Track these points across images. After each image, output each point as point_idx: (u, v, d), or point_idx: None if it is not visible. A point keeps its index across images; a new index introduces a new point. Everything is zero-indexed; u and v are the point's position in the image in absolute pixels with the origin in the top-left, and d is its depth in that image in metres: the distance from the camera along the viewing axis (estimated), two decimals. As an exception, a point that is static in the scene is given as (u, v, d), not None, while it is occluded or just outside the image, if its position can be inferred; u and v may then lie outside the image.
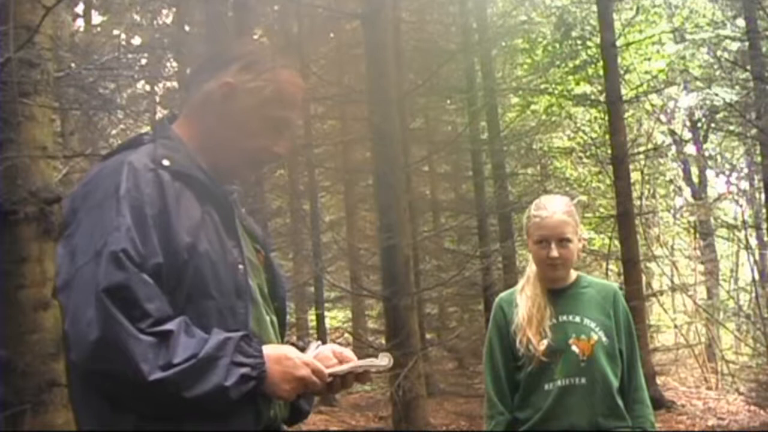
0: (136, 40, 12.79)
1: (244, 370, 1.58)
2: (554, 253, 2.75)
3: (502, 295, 2.97)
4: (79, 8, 11.23)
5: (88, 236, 1.60)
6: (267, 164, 1.92)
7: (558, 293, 2.83)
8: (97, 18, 12.98)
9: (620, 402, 2.75)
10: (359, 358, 1.80)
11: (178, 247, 1.63)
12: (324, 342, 1.89)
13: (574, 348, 2.73)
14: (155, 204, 1.64)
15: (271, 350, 1.66)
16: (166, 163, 1.71)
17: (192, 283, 1.64)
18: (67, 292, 1.58)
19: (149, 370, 1.49)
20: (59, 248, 1.64)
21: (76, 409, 1.68)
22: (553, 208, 2.80)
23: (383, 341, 10.11)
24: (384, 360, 1.78)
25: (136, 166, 1.67)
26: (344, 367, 1.75)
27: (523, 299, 2.82)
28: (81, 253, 1.58)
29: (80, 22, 11.68)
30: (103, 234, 1.58)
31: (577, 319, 2.78)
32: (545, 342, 2.71)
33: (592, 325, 2.76)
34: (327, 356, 1.77)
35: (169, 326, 1.55)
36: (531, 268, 2.90)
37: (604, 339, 2.75)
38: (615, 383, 2.74)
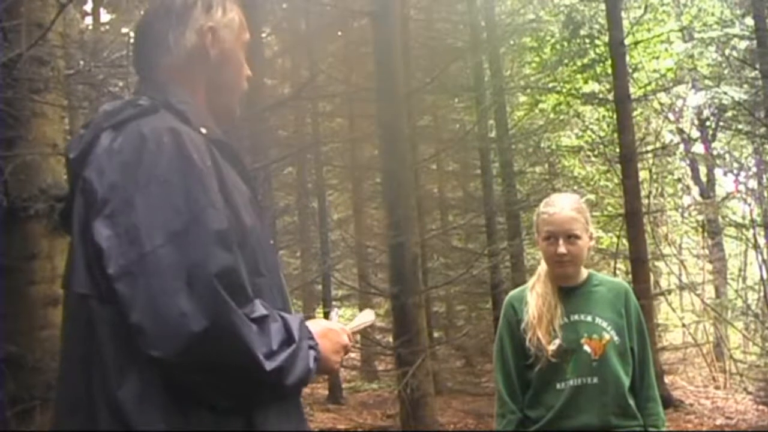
0: (145, 38, 12.81)
1: (314, 352, 1.56)
2: (562, 249, 2.74)
3: (513, 292, 2.96)
4: (88, 6, 11.26)
5: (152, 215, 1.42)
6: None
7: (569, 292, 2.82)
8: (105, 16, 13.02)
9: (631, 401, 2.75)
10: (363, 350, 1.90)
11: (239, 225, 1.55)
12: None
13: (587, 348, 2.72)
14: (216, 178, 1.53)
15: (314, 326, 1.63)
16: (203, 131, 1.61)
17: (247, 262, 1.54)
18: (130, 279, 1.39)
19: (263, 359, 1.42)
20: (100, 228, 1.44)
21: (119, 409, 1.42)
22: (561, 204, 2.81)
23: (391, 339, 10.11)
24: (369, 315, 1.91)
25: (192, 135, 1.54)
26: (347, 330, 1.80)
27: (534, 297, 2.81)
28: (147, 235, 1.40)
29: (89, 20, 11.70)
30: (186, 211, 1.43)
31: (589, 318, 2.77)
32: (557, 342, 2.71)
33: (604, 324, 2.76)
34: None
35: (263, 310, 1.48)
36: (542, 266, 2.89)
37: (615, 338, 2.75)
38: (626, 382, 2.74)
